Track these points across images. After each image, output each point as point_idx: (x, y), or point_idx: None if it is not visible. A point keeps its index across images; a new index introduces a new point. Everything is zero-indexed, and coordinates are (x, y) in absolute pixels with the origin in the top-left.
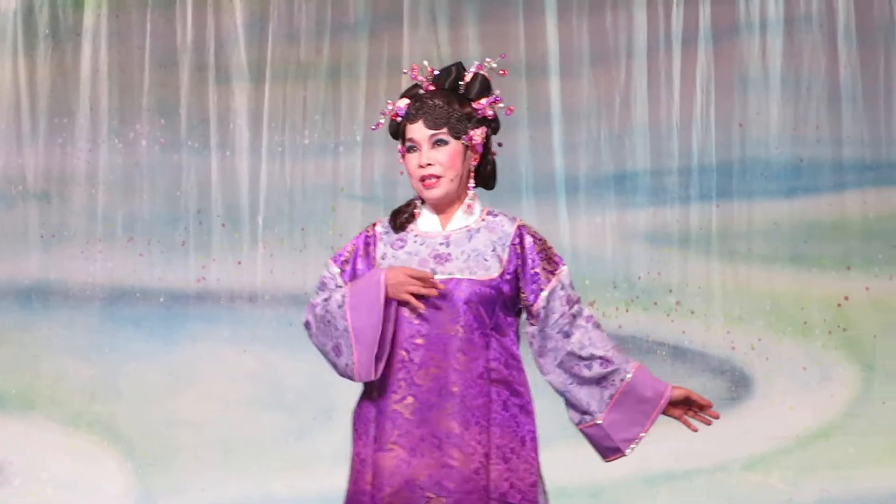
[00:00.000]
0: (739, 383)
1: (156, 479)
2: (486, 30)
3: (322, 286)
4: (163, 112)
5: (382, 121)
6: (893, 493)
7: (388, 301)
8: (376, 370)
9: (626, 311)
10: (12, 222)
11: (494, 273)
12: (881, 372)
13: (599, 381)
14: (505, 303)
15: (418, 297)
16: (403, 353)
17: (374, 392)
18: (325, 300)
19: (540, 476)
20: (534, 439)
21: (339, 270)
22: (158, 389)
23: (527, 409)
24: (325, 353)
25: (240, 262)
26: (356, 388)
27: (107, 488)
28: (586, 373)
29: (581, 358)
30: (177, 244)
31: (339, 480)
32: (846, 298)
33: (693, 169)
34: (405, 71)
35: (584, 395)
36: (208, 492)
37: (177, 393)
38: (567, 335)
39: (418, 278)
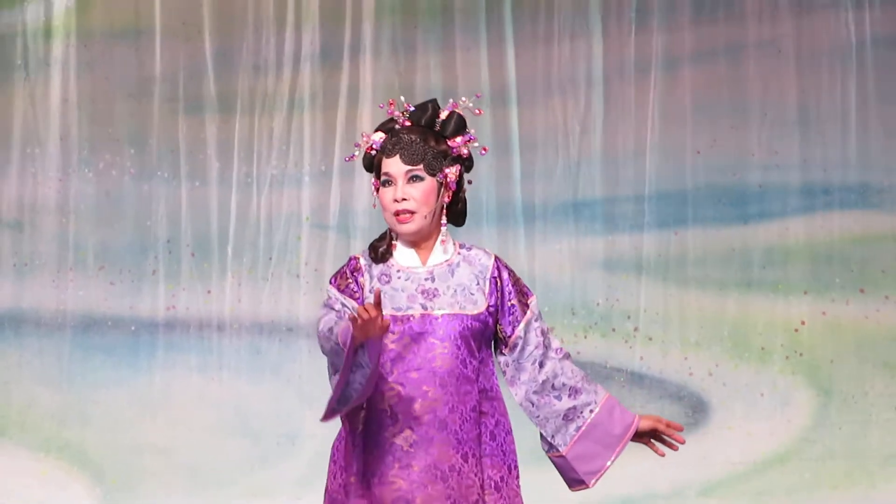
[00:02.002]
0: (697, 409)
1: None
2: (445, 59)
3: (327, 304)
4: (133, 142)
5: (357, 153)
6: None
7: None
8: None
9: (585, 337)
10: None
11: (482, 307)
12: (838, 397)
13: (567, 413)
14: (488, 335)
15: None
16: (399, 387)
17: (361, 425)
18: (330, 331)
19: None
20: (517, 466)
21: (342, 295)
22: (127, 416)
23: (510, 438)
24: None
25: (209, 291)
26: (318, 414)
27: None
28: (556, 403)
29: (553, 388)
30: (147, 273)
31: None
32: (803, 323)
33: (650, 196)
34: (381, 105)
35: (550, 426)
36: None
37: (145, 420)
38: (541, 365)
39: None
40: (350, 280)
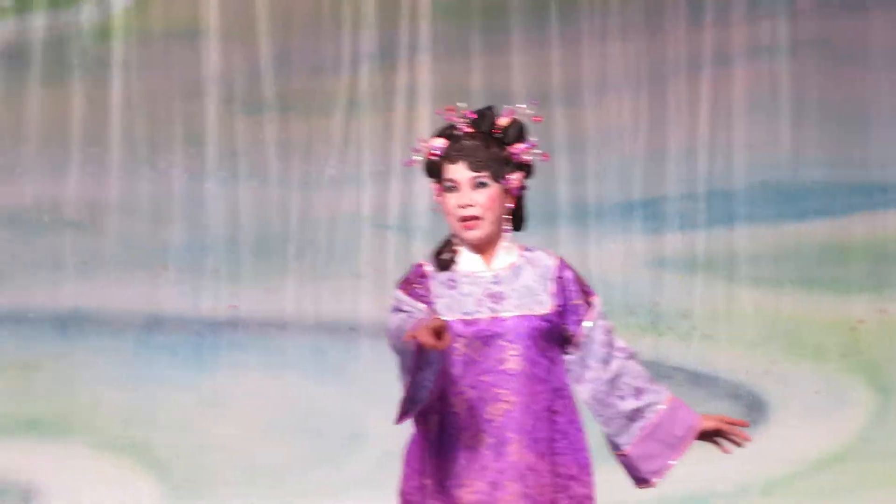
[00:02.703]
0: (754, 408)
1: (188, 502)
2: (501, 59)
3: (396, 307)
4: (192, 142)
5: (417, 157)
6: None
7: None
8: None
9: (643, 336)
10: (46, 251)
11: (548, 307)
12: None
13: (631, 413)
14: (556, 335)
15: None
16: (471, 390)
17: (435, 430)
18: (399, 328)
19: (595, 499)
20: (589, 464)
21: (410, 298)
22: (191, 415)
23: (581, 435)
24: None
25: (270, 291)
26: (382, 414)
27: None
28: (620, 404)
29: (616, 387)
30: (209, 272)
31: None
32: (860, 322)
33: (708, 194)
34: (438, 111)
35: (614, 426)
36: None
37: (209, 419)
38: (606, 364)
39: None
40: (417, 285)
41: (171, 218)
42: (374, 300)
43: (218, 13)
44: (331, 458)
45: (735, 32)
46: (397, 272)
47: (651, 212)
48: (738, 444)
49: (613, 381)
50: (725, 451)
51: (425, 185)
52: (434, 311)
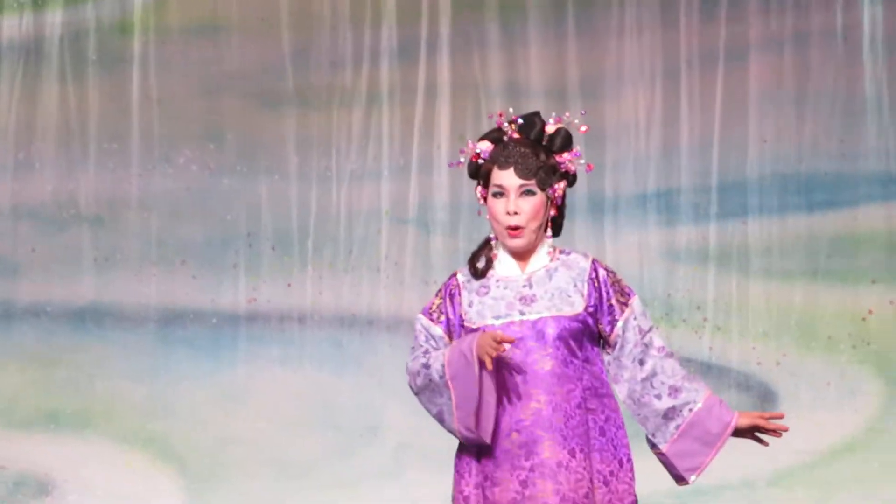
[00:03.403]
0: (765, 398)
1: (207, 496)
2: (520, 54)
3: (416, 342)
4: (212, 137)
5: (462, 160)
6: None
7: (482, 364)
8: (481, 435)
9: (657, 328)
10: (65, 246)
11: (579, 308)
12: None
13: (667, 412)
14: (591, 334)
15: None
16: (503, 391)
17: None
18: (425, 367)
19: (636, 495)
20: (630, 460)
21: (429, 323)
22: (210, 409)
23: (622, 433)
24: (434, 417)
25: (290, 285)
26: (399, 406)
27: None
28: (656, 403)
29: (652, 386)
30: (228, 267)
31: (385, 497)
32: (871, 312)
33: (718, 186)
34: (490, 115)
35: (651, 424)
36: None
37: (228, 412)
38: (641, 363)
39: (500, 341)
40: (443, 304)
41: (190, 213)
42: (392, 294)
43: (237, 8)
44: (348, 451)
45: (749, 26)
46: (415, 267)
47: (665, 204)
48: (776, 436)
49: (649, 380)
50: (764, 444)
51: (444, 179)
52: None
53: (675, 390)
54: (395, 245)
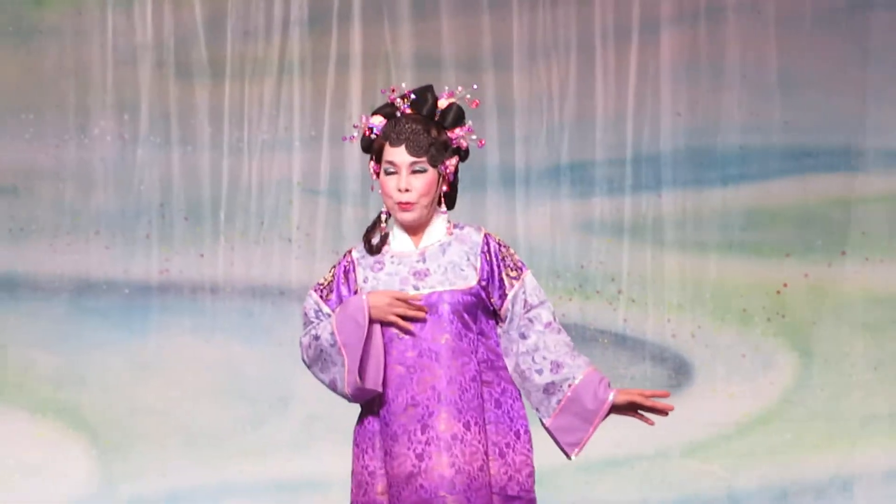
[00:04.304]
0: (680, 371)
1: (119, 465)
2: (432, 26)
3: (305, 318)
4: (126, 108)
5: (355, 134)
6: (831, 479)
7: (373, 324)
8: (366, 389)
9: (570, 300)
10: None
11: (472, 281)
12: (819, 359)
13: (547, 387)
14: (485, 308)
15: (405, 318)
16: (399, 367)
17: (375, 407)
18: (316, 338)
19: (534, 467)
20: (527, 432)
21: (320, 298)
22: (122, 378)
23: (518, 404)
24: (327, 386)
25: (202, 255)
26: (310, 377)
27: (72, 474)
28: (537, 378)
29: (534, 361)
30: (141, 237)
31: (294, 467)
32: (785, 285)
33: (634, 159)
34: (383, 90)
35: (534, 398)
36: (169, 478)
37: (140, 382)
38: (524, 337)
39: (401, 300)
40: (334, 283)
41: (103, 183)
42: (304, 265)
43: None
44: (259, 421)
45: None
46: (327, 237)
47: (578, 177)
48: (661, 415)
49: (531, 355)
50: (649, 423)
51: (356, 151)
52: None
53: (556, 366)
54: (307, 216)
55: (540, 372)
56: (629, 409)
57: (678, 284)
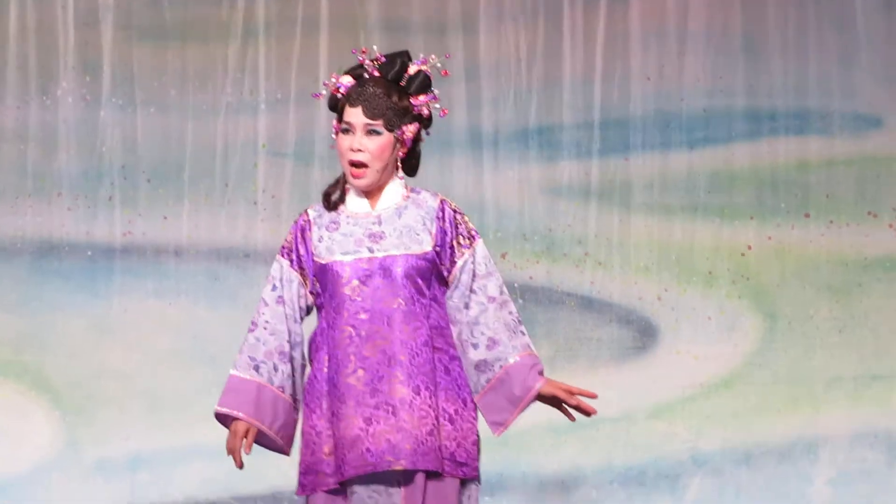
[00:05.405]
0: (646, 333)
1: (82, 428)
2: None
3: (271, 278)
4: (88, 70)
5: (324, 92)
6: (794, 442)
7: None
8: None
9: (537, 262)
10: None
11: (427, 246)
12: (783, 321)
13: (479, 364)
14: (439, 274)
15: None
16: (350, 328)
17: (324, 368)
18: (252, 325)
19: (479, 435)
20: (473, 399)
21: (287, 262)
22: (85, 341)
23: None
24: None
25: (166, 217)
26: None
27: (34, 438)
28: (472, 352)
29: (472, 335)
30: (103, 199)
31: None
32: (749, 248)
33: (600, 122)
34: (354, 51)
35: (469, 372)
36: (133, 441)
37: (103, 344)
38: (466, 307)
39: (235, 450)
40: (294, 242)
41: (66, 145)
42: (269, 227)
43: None
44: (223, 383)
45: None
46: (293, 200)
47: (546, 140)
48: (584, 414)
49: (471, 327)
50: (570, 419)
51: (323, 113)
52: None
53: (493, 343)
54: (273, 178)
55: (476, 346)
56: (553, 401)
57: (645, 247)
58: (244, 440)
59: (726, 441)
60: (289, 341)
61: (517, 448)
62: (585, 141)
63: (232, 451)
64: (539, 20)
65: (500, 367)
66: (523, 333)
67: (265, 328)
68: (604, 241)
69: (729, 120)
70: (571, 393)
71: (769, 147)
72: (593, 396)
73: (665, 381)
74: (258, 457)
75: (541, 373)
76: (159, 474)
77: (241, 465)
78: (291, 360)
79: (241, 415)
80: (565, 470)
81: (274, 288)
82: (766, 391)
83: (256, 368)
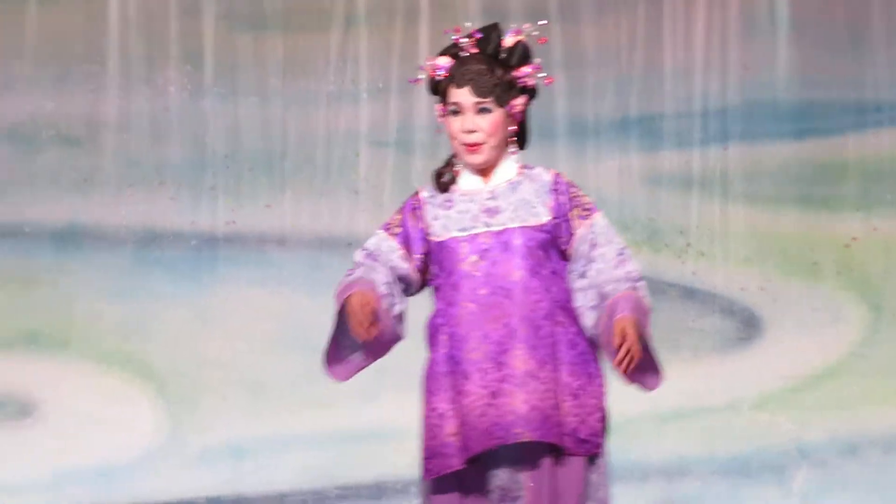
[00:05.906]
0: (749, 324)
1: (185, 416)
2: None
3: (364, 249)
4: (189, 59)
5: (422, 76)
6: None
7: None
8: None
9: (638, 252)
10: (44, 167)
11: (544, 218)
12: (888, 312)
13: (594, 322)
14: (558, 247)
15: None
16: (470, 304)
17: (443, 347)
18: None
19: (606, 411)
20: (600, 375)
21: (386, 235)
22: (188, 330)
23: (592, 347)
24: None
25: (268, 206)
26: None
27: (139, 426)
28: (587, 315)
29: (586, 297)
30: (206, 188)
31: (361, 418)
32: (854, 239)
33: (702, 112)
34: (447, 30)
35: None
36: (235, 429)
37: (206, 333)
38: (583, 276)
39: (364, 315)
40: (403, 219)
41: (169, 135)
42: (371, 217)
43: None
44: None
45: None
46: (395, 189)
47: (647, 129)
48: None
49: (584, 292)
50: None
51: (424, 101)
52: (375, 290)
53: (602, 298)
54: (375, 167)
55: (593, 308)
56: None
57: (747, 238)
58: (363, 310)
59: (831, 432)
60: (386, 274)
61: (620, 437)
62: (686, 130)
63: (357, 326)
64: (639, 8)
65: (606, 304)
66: (634, 287)
67: (358, 270)
68: (706, 231)
69: (834, 111)
70: (623, 341)
71: (875, 139)
72: (632, 362)
73: (768, 371)
74: (361, 445)
75: (634, 310)
76: (262, 463)
77: (370, 335)
78: (390, 284)
79: (354, 290)
80: (668, 459)
81: (364, 249)
82: (871, 383)
83: (357, 280)
